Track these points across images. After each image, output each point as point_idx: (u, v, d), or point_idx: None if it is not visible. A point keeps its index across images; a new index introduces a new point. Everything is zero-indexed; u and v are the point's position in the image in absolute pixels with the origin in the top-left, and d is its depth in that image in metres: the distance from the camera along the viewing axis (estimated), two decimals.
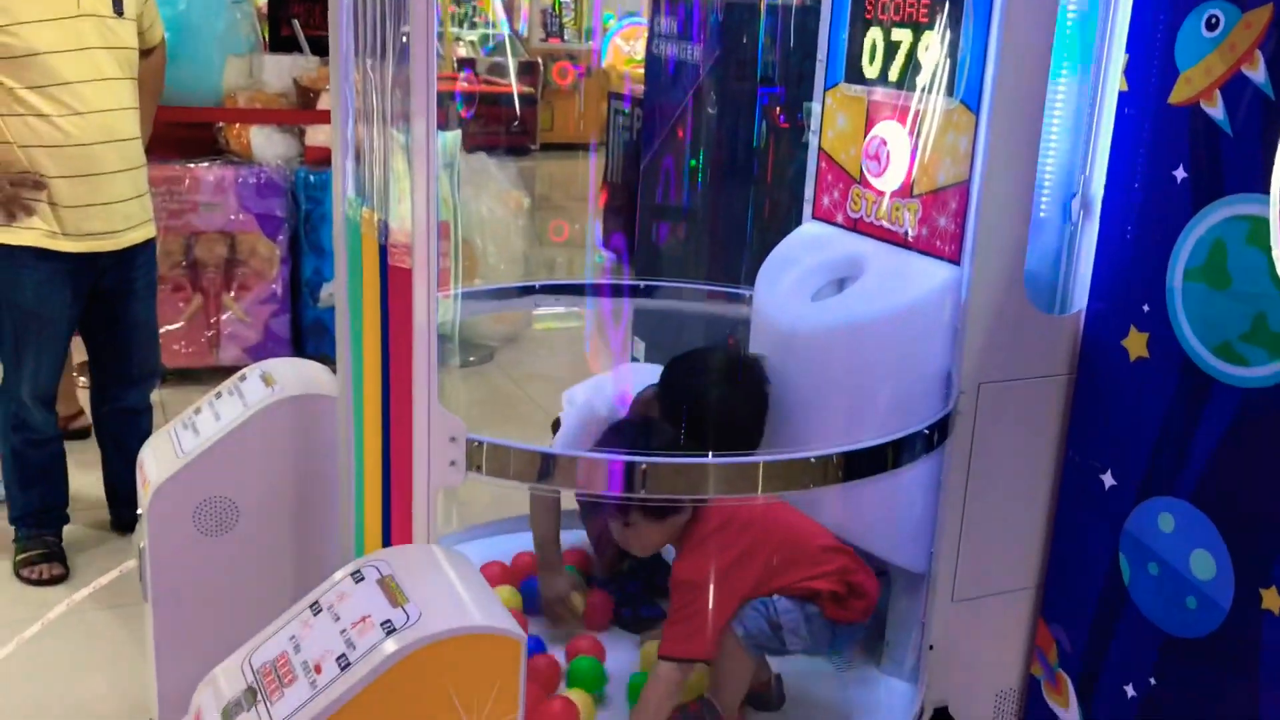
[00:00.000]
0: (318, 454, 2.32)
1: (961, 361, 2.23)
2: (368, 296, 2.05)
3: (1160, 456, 2.17)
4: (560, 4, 10.53)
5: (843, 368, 2.27)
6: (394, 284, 1.91)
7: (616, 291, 2.83)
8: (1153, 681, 2.21)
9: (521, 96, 8.24)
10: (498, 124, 7.65)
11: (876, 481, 2.04)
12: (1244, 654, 2.03)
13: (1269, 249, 1.93)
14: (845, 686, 2.39)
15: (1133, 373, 2.22)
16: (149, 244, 3.27)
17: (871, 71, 2.39)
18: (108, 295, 3.20)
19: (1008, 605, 2.48)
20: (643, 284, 2.87)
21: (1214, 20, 2.01)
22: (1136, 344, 2.20)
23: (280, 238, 4.74)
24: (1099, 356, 2.30)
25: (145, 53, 3.20)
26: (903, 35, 2.28)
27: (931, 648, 2.39)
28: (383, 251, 1.96)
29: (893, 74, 2.33)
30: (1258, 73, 1.94)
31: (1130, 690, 2.26)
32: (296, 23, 5.14)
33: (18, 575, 3.24)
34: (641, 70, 5.35)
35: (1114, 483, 2.28)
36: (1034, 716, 2.53)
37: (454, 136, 4.82)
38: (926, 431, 2.09)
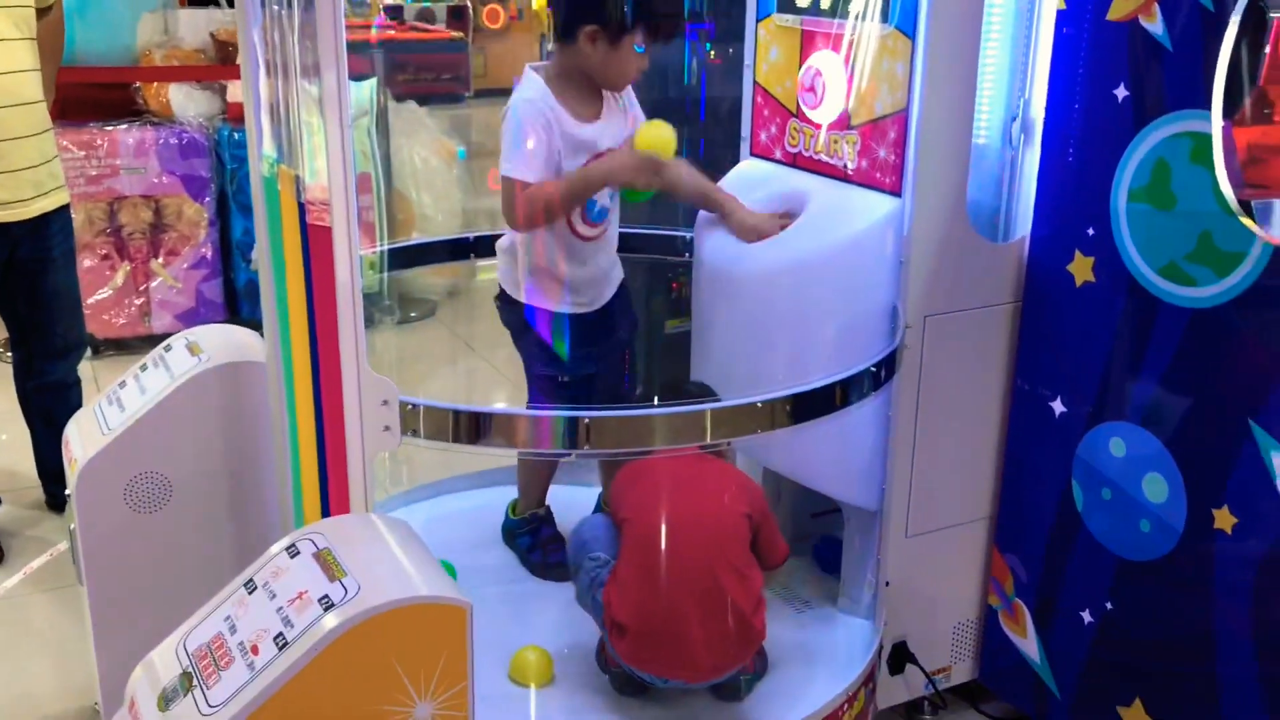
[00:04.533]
0: (250, 423, 2.24)
1: (906, 295, 2.19)
2: (290, 257, 1.97)
3: (1110, 381, 2.15)
4: None
5: (786, 307, 2.22)
6: (315, 243, 1.83)
7: None
8: (1109, 606, 2.21)
9: (451, 42, 8.04)
10: (427, 71, 7.46)
11: (826, 422, 2.00)
12: (1198, 574, 2.03)
13: (1213, 166, 1.90)
14: (804, 626, 2.37)
15: (1079, 298, 2.19)
16: (62, 211, 3.14)
17: (803, 0, 2.31)
18: (24, 267, 3.07)
19: (962, 538, 2.47)
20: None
21: None
22: (1082, 268, 2.17)
23: (207, 199, 4.60)
24: (1045, 283, 2.27)
25: (42, 11, 3.04)
26: None
27: (888, 584, 2.37)
28: (301, 210, 1.87)
29: (825, 2, 2.25)
30: None
31: (1087, 616, 2.26)
32: None
33: None
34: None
35: (1064, 410, 2.26)
36: (991, 647, 2.53)
37: (371, 85, 4.67)
38: (874, 369, 2.05)
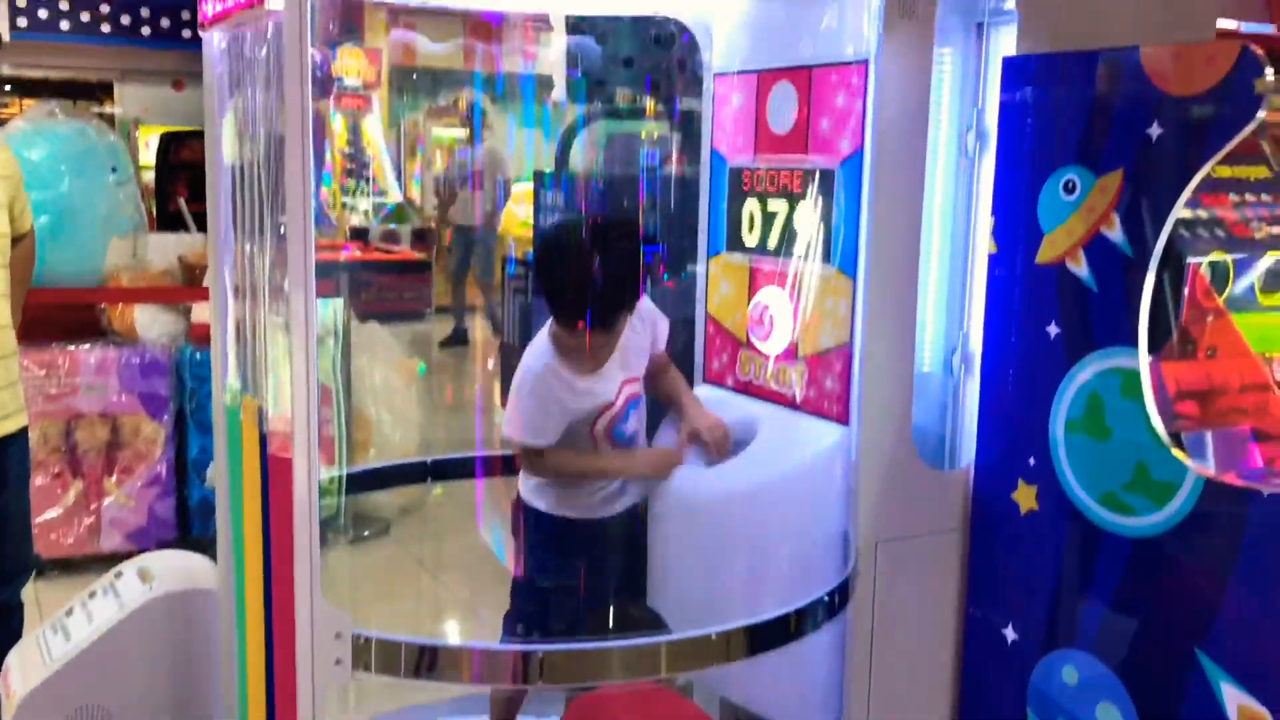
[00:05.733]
0: (199, 653, 2.21)
1: (857, 522, 2.23)
2: (248, 487, 1.99)
3: (1059, 609, 2.18)
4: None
5: (740, 533, 2.25)
6: (275, 474, 1.85)
7: (508, 463, 2.77)
8: None
9: (415, 263, 8.28)
10: (390, 291, 7.65)
11: (781, 651, 2.00)
12: None
13: (1143, 399, 1.99)
14: None
15: (1024, 525, 2.24)
16: (21, 434, 3.13)
17: (751, 240, 2.44)
18: None
19: None
20: None
21: (1071, 184, 2.11)
22: (1026, 497, 2.23)
23: (165, 417, 4.61)
24: (991, 510, 2.32)
25: (16, 239, 3.13)
26: (779, 206, 2.35)
27: None
28: (263, 440, 1.91)
29: (771, 242, 2.38)
30: (1115, 233, 2.03)
31: None
32: (183, 201, 5.11)
33: None
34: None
35: (1016, 637, 2.27)
36: None
37: (336, 305, 4.78)
38: (828, 597, 2.07)
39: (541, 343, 2.38)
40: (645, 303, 2.45)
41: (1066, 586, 2.16)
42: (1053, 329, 2.15)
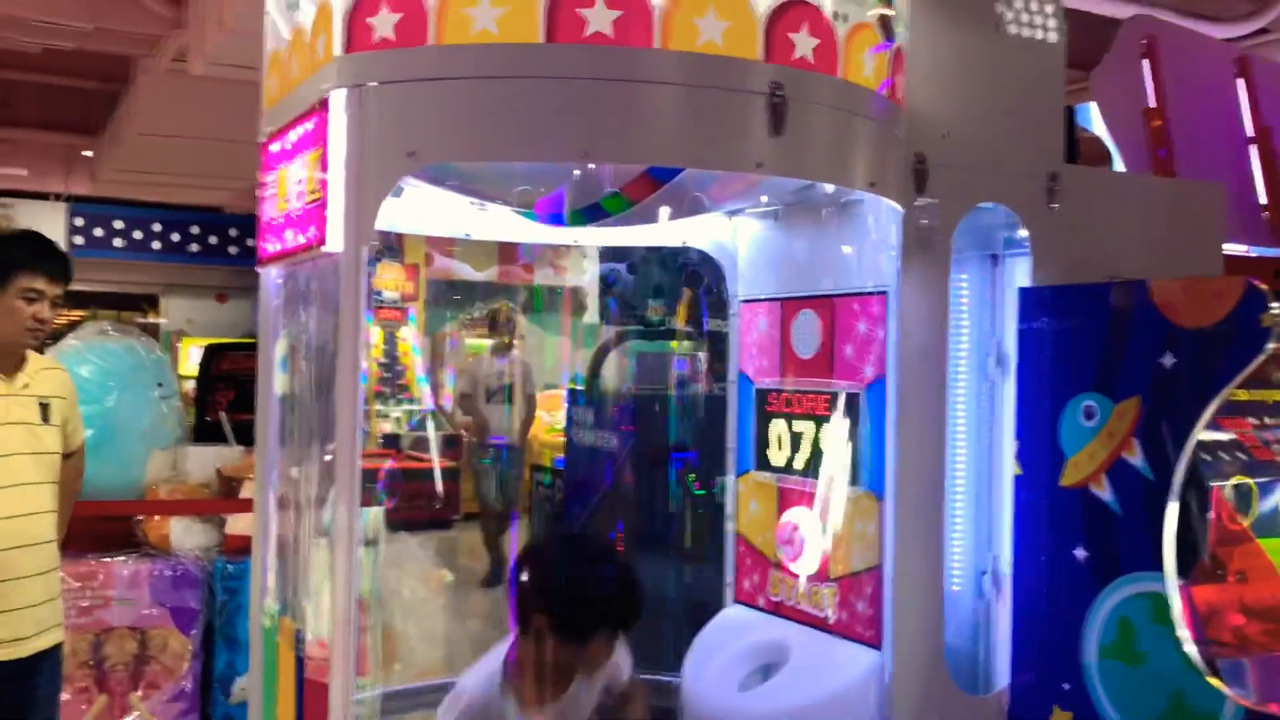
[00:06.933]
0: None
1: None
2: (281, 708, 2.00)
3: None
4: None
5: None
6: (310, 695, 1.87)
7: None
8: None
9: (445, 470, 8.35)
10: (421, 499, 7.70)
11: None
12: None
13: (1173, 625, 1.98)
14: None
15: None
16: (56, 649, 3.15)
17: (778, 460, 2.50)
18: (6, 704, 3.04)
19: None
20: None
21: (1090, 410, 2.17)
22: None
23: (194, 631, 4.60)
24: None
25: (66, 456, 3.22)
26: (805, 427, 2.41)
27: None
28: (299, 663, 1.93)
29: (798, 463, 2.43)
30: (1137, 458, 2.07)
31: None
32: (225, 416, 5.23)
33: None
34: (563, 439, 5.51)
35: None
36: None
37: (376, 513, 4.83)
38: None
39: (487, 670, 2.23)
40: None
41: None
42: (1080, 552, 2.17)
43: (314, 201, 1.87)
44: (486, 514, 7.88)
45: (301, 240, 1.92)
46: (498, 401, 7.72)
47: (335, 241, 1.82)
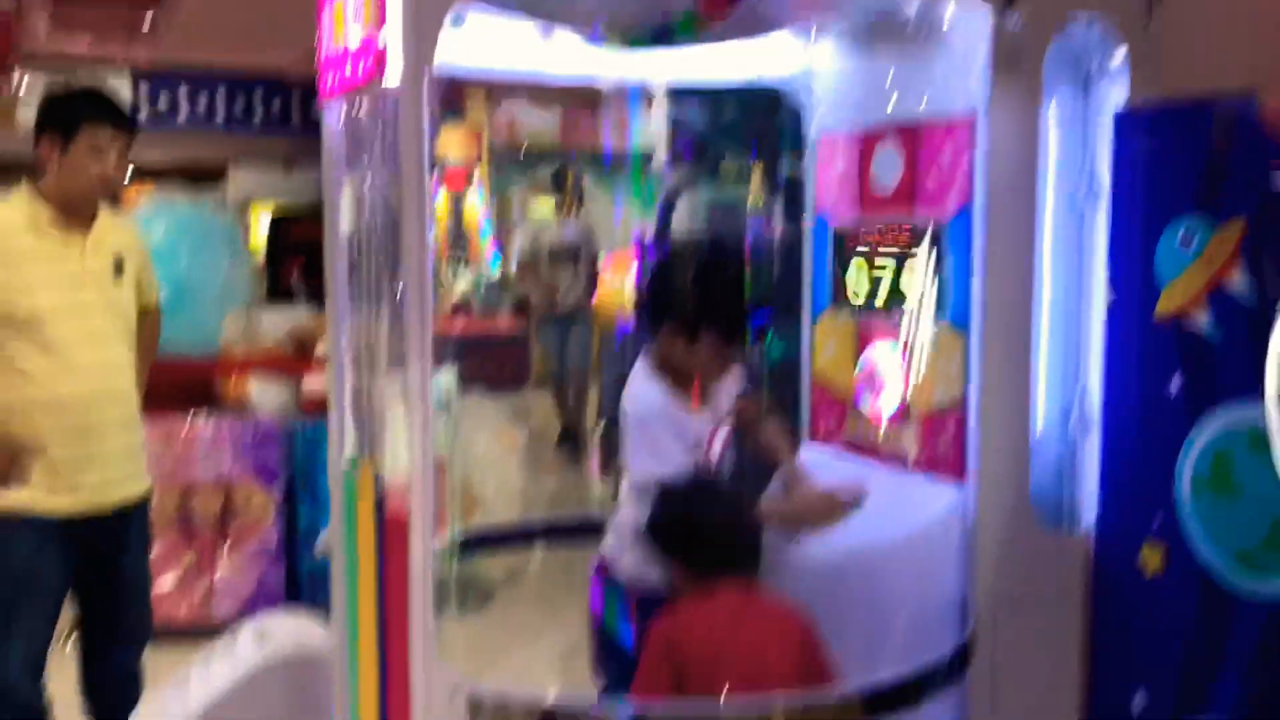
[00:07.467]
0: (313, 713, 2.22)
1: (975, 586, 2.17)
2: (363, 549, 2.01)
3: (1191, 674, 2.08)
4: None
5: (855, 597, 2.21)
6: (391, 535, 1.88)
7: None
8: None
9: (514, 337, 8.39)
10: (491, 362, 7.75)
11: (898, 716, 1.95)
12: None
13: (1272, 454, 1.91)
14: None
15: (1150, 589, 2.15)
16: (145, 500, 3.23)
17: (858, 299, 2.43)
18: (102, 555, 3.13)
19: None
20: None
21: (1188, 235, 2.06)
22: (1152, 558, 2.15)
23: (276, 488, 4.71)
24: (1114, 573, 2.24)
25: (141, 314, 3.25)
26: (885, 263, 2.33)
27: None
28: (379, 503, 1.93)
29: (879, 300, 2.36)
30: (1238, 284, 1.97)
31: None
32: (297, 275, 5.27)
33: None
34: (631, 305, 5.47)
35: (1144, 705, 2.18)
36: None
37: (449, 376, 4.87)
38: (946, 662, 2.01)
39: (646, 382, 2.36)
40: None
41: (1197, 652, 2.06)
42: (1174, 385, 2.08)
43: (372, 27, 1.80)
44: (557, 378, 7.94)
45: (361, 69, 1.86)
46: (564, 264, 7.68)
47: (394, 72, 1.75)
